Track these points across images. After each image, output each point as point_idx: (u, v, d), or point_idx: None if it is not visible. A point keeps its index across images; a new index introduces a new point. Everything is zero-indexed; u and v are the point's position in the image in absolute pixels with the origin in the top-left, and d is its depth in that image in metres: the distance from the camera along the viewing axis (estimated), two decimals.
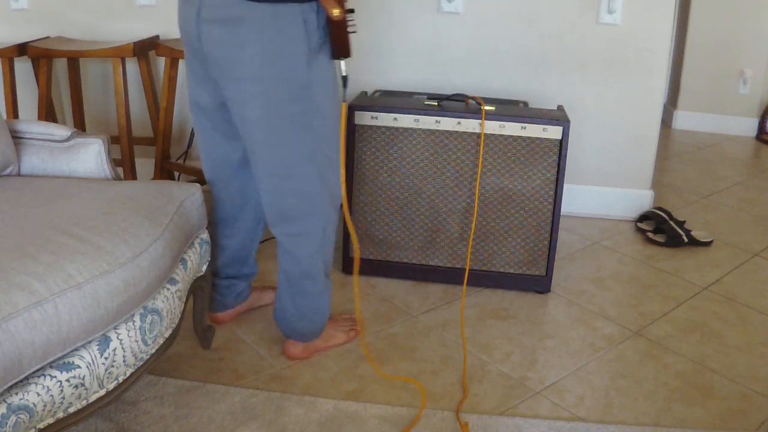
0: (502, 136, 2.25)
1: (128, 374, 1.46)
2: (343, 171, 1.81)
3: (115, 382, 1.42)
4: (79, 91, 3.02)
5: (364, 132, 2.30)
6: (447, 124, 2.26)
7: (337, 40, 1.65)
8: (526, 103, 2.57)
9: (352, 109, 2.28)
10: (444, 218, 2.33)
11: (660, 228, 2.84)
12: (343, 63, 1.71)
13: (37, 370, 1.25)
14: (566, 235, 2.85)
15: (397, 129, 2.28)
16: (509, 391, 1.87)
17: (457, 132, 2.26)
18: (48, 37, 2.95)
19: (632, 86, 2.87)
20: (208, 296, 1.93)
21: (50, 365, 1.27)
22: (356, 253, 2.11)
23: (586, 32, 2.82)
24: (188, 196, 1.74)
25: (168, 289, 1.59)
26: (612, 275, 2.55)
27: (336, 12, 1.59)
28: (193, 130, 2.91)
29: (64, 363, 1.29)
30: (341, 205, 1.86)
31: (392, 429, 1.69)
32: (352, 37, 1.66)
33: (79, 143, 1.83)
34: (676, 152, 4.12)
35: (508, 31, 2.85)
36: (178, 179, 3.05)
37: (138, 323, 1.46)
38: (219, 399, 1.77)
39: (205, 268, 1.85)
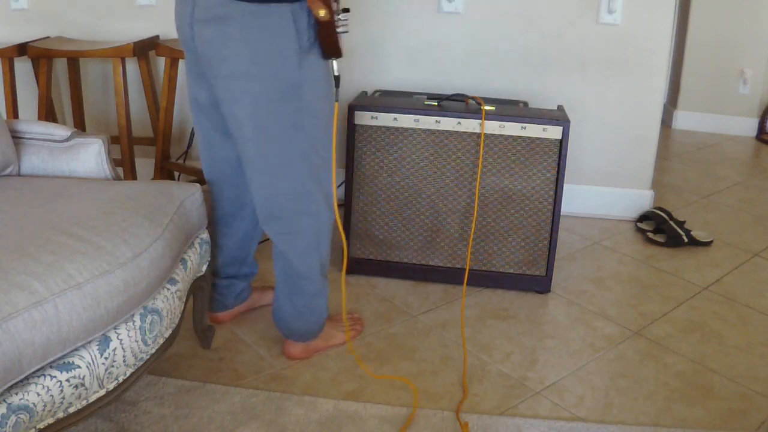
0: (502, 136, 2.25)
1: (128, 374, 1.46)
2: (334, 170, 1.81)
3: (115, 382, 1.42)
4: (79, 91, 3.02)
5: (364, 132, 2.30)
6: (447, 124, 2.26)
7: (326, 40, 1.63)
8: (526, 103, 2.57)
9: (352, 109, 2.29)
10: (444, 218, 2.33)
11: (660, 228, 2.84)
12: (335, 63, 1.70)
13: (37, 370, 1.25)
14: (566, 235, 2.85)
15: (397, 129, 2.28)
16: (509, 391, 1.87)
17: (457, 132, 2.26)
18: (48, 37, 2.95)
19: (632, 86, 2.87)
20: (208, 296, 1.93)
21: (50, 365, 1.27)
22: (345, 252, 2.09)
23: (586, 32, 2.82)
24: (188, 196, 1.74)
25: (168, 289, 1.59)
26: (612, 275, 2.55)
27: (322, 13, 1.57)
28: (193, 129, 2.92)
29: (64, 363, 1.29)
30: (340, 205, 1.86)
31: (392, 429, 1.69)
32: (351, 37, 1.65)
33: (79, 143, 1.83)
34: (676, 152, 4.12)
35: (508, 31, 2.85)
36: (178, 179, 3.05)
37: (138, 323, 1.46)
38: (219, 399, 1.77)
39: (205, 268, 1.85)
